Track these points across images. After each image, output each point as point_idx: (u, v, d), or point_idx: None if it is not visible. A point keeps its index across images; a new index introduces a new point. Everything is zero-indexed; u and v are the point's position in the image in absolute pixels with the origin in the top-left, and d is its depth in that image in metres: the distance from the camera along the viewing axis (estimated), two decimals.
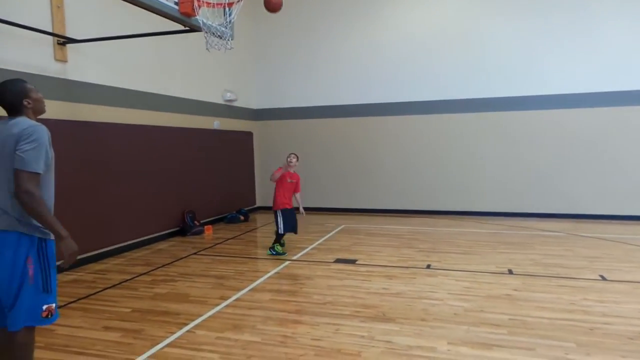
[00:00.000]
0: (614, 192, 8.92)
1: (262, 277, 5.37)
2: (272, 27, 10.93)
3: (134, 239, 6.98)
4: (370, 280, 5.16)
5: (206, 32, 4.93)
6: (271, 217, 10.41)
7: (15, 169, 2.37)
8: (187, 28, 5.17)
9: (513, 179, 9.46)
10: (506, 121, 9.47)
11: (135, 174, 6.95)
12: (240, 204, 10.07)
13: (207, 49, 4.66)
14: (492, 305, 4.26)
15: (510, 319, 3.91)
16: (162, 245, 7.31)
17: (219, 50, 4.63)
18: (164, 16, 4.83)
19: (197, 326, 3.90)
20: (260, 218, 10.06)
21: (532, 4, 9.20)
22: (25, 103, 2.55)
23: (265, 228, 8.91)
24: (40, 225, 2.45)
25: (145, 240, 7.22)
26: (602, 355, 3.21)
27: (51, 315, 2.49)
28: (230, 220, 9.41)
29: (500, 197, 9.55)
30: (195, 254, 6.66)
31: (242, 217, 9.56)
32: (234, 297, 4.63)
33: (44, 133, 2.48)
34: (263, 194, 11.14)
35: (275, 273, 5.56)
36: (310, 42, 10.71)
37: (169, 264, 6.07)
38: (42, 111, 2.68)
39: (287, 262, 6.05)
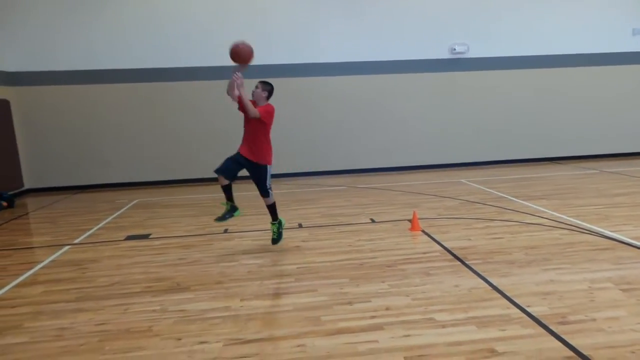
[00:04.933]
0: (382, 148, 10.52)
1: (32, 269, 4.59)
2: None
3: None
4: (165, 253, 4.94)
5: None
6: (47, 199, 9.03)
7: None
8: None
9: (303, 141, 10.21)
10: (294, 87, 10.06)
11: None
12: (2, 188, 8.34)
13: None
14: (283, 258, 4.58)
15: (297, 268, 4.27)
16: None
17: None
18: None
19: None
20: (31, 202, 8.54)
21: None
22: None
23: (38, 213, 7.61)
24: None
25: None
26: (367, 283, 3.79)
27: None
28: None
29: (292, 158, 10.22)
30: None
31: (5, 204, 7.95)
32: None
33: None
34: (33, 173, 9.47)
35: (51, 262, 4.82)
36: None
37: None
38: None
39: (66, 248, 5.31)
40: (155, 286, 3.96)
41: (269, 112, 4.50)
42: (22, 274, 4.41)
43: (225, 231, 5.77)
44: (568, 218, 5.62)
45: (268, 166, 4.64)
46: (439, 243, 4.85)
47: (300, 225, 5.90)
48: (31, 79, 9.29)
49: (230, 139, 10.23)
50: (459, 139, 10.71)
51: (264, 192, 4.69)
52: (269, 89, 4.60)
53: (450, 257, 4.39)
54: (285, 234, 5.50)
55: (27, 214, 7.60)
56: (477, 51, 10.43)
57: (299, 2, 9.88)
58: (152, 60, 9.57)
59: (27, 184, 9.41)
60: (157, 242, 5.41)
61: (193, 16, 9.56)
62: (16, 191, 8.94)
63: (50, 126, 9.46)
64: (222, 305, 3.49)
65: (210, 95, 9.69)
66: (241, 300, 3.58)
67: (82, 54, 9.37)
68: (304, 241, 5.17)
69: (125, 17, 9.42)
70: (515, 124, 10.78)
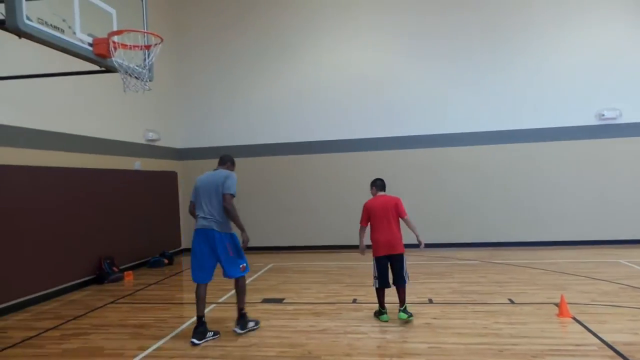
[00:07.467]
0: (520, 221, 9.75)
1: (186, 322, 5.16)
2: (196, 64, 10.99)
3: (40, 291, 6.39)
4: (297, 319, 5.15)
5: (123, 74, 4.81)
6: None
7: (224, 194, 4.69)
8: (102, 69, 5.03)
9: (434, 212, 10.01)
10: (427, 157, 10.10)
11: (42, 219, 6.46)
12: (164, 247, 9.66)
13: (124, 90, 4.55)
14: (413, 335, 4.42)
15: (429, 347, 4.08)
16: (76, 295, 6.77)
17: (137, 92, 4.54)
18: (77, 57, 4.68)
19: None
20: (186, 260, 9.69)
21: (441, 50, 10.12)
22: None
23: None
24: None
25: (54, 291, 6.65)
26: None
27: (244, 269, 4.77)
28: (154, 264, 8.97)
29: (422, 228, 9.97)
30: (112, 302, 6.24)
31: (166, 261, 9.16)
32: (153, 347, 4.39)
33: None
34: (189, 235, 10.80)
35: None
36: (233, 81, 10.85)
37: (81, 315, 5.63)
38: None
39: (212, 306, 5.87)
40: (289, 352, 4.13)
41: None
42: (177, 328, 4.98)
43: (354, 301, 5.81)
44: None
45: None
46: (595, 334, 4.22)
47: (430, 301, 5.67)
48: (195, 153, 10.93)
49: (355, 209, 10.52)
50: (615, 212, 9.44)
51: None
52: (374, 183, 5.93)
53: (612, 353, 3.79)
54: (414, 309, 5.34)
55: (182, 271, 8.63)
56: (630, 116, 9.39)
57: (431, 75, 10.15)
58: (293, 135, 10.59)
59: (184, 244, 10.75)
60: (290, 307, 5.67)
61: (331, 94, 10.45)
62: (175, 250, 10.26)
63: None
64: None
65: (342, 166, 10.25)
66: None
67: (234, 131, 10.79)
68: (434, 318, 4.94)
69: (271, 98, 10.70)
70: None
